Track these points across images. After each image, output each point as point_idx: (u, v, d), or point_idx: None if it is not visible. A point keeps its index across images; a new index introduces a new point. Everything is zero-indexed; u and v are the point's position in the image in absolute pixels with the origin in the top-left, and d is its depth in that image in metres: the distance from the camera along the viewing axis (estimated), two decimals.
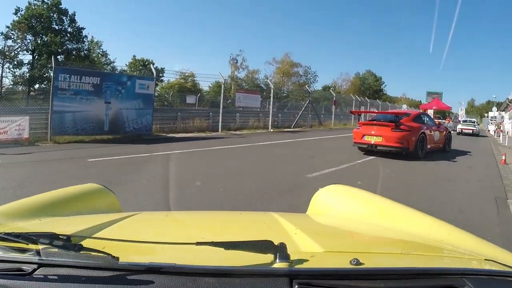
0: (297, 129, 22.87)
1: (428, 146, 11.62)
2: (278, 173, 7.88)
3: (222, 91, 18.71)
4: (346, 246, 1.34)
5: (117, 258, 0.88)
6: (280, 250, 0.93)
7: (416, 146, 10.88)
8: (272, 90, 22.38)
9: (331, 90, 35.91)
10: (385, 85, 67.44)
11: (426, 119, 12.83)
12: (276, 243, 0.94)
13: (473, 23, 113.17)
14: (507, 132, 27.03)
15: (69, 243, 0.93)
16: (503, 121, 32.46)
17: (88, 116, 12.45)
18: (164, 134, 15.31)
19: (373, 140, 10.85)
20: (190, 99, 20.35)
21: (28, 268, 0.90)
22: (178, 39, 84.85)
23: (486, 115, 60.26)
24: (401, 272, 0.94)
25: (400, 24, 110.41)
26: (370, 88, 61.46)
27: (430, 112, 41.32)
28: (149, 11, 78.71)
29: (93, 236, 1.15)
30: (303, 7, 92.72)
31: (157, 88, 31.06)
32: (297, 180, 7.06)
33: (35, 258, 0.91)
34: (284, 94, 35.88)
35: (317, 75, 53.73)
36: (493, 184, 7.75)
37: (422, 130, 11.31)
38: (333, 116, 28.77)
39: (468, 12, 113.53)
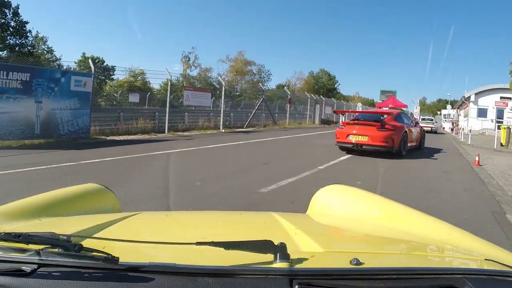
0: (250, 129, 21.87)
1: (408, 145, 11.94)
2: (223, 188, 6.21)
3: (169, 89, 17.40)
4: (346, 246, 1.36)
5: (117, 258, 0.88)
6: (280, 250, 0.93)
7: (400, 145, 11.17)
8: (223, 88, 21.05)
9: (285, 88, 35.54)
10: (339, 84, 68.72)
11: (405, 118, 13.12)
12: (276, 243, 0.94)
13: (424, 23, 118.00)
14: (463, 129, 27.51)
15: (69, 243, 0.93)
16: (459, 119, 33.54)
17: (16, 118, 10.81)
18: (103, 137, 13.60)
19: (358, 139, 10.92)
20: (133, 98, 18.60)
21: (28, 268, 0.89)
22: (130, 37, 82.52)
23: (439, 113, 61.78)
24: (401, 272, 0.94)
25: (354, 23, 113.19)
26: (324, 87, 62.14)
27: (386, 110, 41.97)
28: (102, 6, 75.82)
29: (93, 236, 1.14)
30: (257, 5, 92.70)
31: (106, 87, 29.29)
32: (248, 197, 5.70)
33: (35, 258, 0.91)
34: (237, 93, 35.11)
35: (271, 74, 53.49)
36: (481, 194, 6.86)
37: (405, 129, 11.57)
38: (287, 115, 28.24)
39: (419, 13, 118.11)
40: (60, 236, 0.96)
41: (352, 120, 12.60)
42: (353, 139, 11.03)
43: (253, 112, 23.86)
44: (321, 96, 39.18)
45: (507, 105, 33.62)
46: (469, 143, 19.08)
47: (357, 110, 38.89)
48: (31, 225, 1.35)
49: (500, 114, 33.68)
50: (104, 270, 0.89)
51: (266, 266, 0.92)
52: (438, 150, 14.13)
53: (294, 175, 7.44)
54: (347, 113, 17.44)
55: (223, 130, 19.32)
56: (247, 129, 21.34)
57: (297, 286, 0.85)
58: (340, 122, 12.93)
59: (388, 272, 0.94)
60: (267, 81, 51.10)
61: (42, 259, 0.91)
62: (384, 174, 8.54)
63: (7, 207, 1.48)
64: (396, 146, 10.95)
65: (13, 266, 0.91)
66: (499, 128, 19.33)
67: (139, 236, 1.28)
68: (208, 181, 6.77)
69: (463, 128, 27.86)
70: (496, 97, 34.06)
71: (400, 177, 8.23)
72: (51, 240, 0.94)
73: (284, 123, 27.26)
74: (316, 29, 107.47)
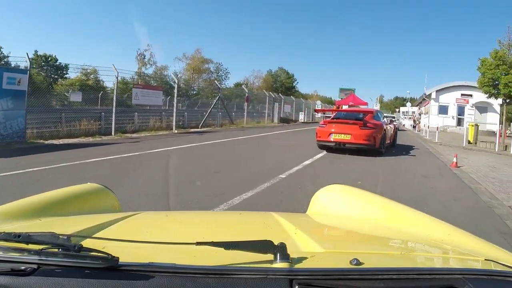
0: (205, 129, 20.79)
1: (386, 142, 12.17)
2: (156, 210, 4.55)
3: (116, 87, 16.01)
4: (346, 246, 1.37)
5: (117, 258, 0.88)
6: (280, 250, 0.93)
7: (381, 143, 11.37)
8: (176, 85, 19.53)
9: (243, 87, 34.92)
10: (297, 82, 68.65)
11: (381, 116, 13.38)
12: (276, 243, 0.95)
13: (382, 20, 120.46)
14: (428, 126, 27.13)
15: (69, 243, 0.93)
16: (421, 116, 34.12)
17: None
18: (42, 141, 12.06)
19: (341, 138, 10.99)
20: (75, 97, 17.04)
21: (28, 268, 0.90)
22: (85, 35, 79.14)
23: (397, 110, 63.51)
24: (401, 272, 0.94)
25: (311, 21, 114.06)
26: (283, 85, 62.08)
27: (346, 108, 42.13)
28: (57, 4, 72.27)
29: (93, 236, 1.14)
30: (215, 2, 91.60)
31: (57, 86, 27.65)
32: None
33: (35, 258, 0.91)
34: (194, 92, 34.21)
35: (228, 72, 53.05)
36: (476, 206, 6.06)
37: (384, 127, 11.85)
38: (245, 113, 27.50)
39: (376, 10, 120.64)
40: (60, 236, 0.95)
41: (333, 118, 12.58)
42: (335, 137, 11.06)
43: (209, 111, 23.00)
44: (280, 94, 38.74)
45: (468, 102, 33.81)
46: (436, 141, 18.82)
47: (317, 108, 38.82)
48: (31, 225, 1.35)
49: (461, 111, 33.99)
50: (104, 270, 0.89)
51: (266, 266, 0.91)
52: (408, 150, 13.76)
53: (251, 188, 6.20)
54: (321, 112, 18.93)
55: (175, 131, 17.99)
56: (202, 129, 20.24)
57: (297, 286, 0.85)
58: (322, 120, 13.25)
59: (388, 272, 0.93)
60: (225, 79, 50.91)
61: (42, 259, 0.90)
62: (361, 185, 7.32)
63: (7, 207, 1.47)
64: (377, 144, 11.14)
65: (13, 266, 0.90)
66: (464, 125, 19.73)
67: (139, 236, 1.28)
68: (147, 202, 5.24)
69: (427, 125, 27.67)
70: (457, 94, 34.24)
71: (380, 187, 6.84)
72: (51, 240, 0.94)
73: (241, 122, 26.47)
74: (275, 28, 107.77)
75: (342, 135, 10.99)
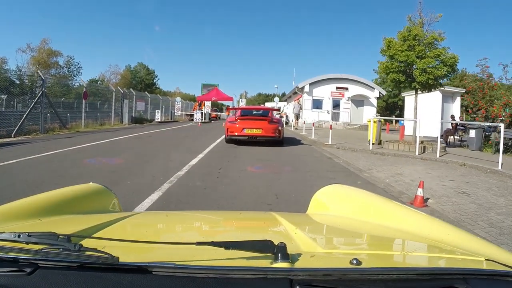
0: (21, 138, 14.31)
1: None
2: None
3: None
4: (346, 246, 1.39)
5: (117, 258, 0.88)
6: (280, 250, 0.93)
7: (282, 135, 13.38)
8: None
9: (81, 78, 28.35)
10: (158, 79, 66.88)
11: (276, 113, 15.83)
12: (276, 243, 0.94)
13: (240, 17, 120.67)
14: (304, 121, 24.79)
15: (69, 243, 0.93)
16: (300, 112, 29.37)
17: None
18: None
19: (253, 132, 12.58)
20: None
21: (28, 268, 0.90)
22: None
23: (262, 106, 62.68)
24: (401, 272, 0.94)
25: (174, 17, 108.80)
26: (143, 82, 59.75)
27: (208, 104, 38.18)
28: None
29: (93, 236, 1.14)
30: None
31: None
32: None
33: (35, 258, 0.91)
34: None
35: (81, 67, 46.29)
36: None
37: (281, 123, 13.93)
38: (83, 114, 21.32)
39: (239, 8, 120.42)
40: (60, 236, 0.95)
41: (241, 116, 13.68)
42: (248, 131, 12.62)
43: (27, 112, 16.33)
44: (131, 89, 32.99)
45: (343, 96, 32.01)
46: (330, 143, 14.22)
47: (176, 104, 36.81)
48: (31, 225, 1.34)
49: (336, 104, 32.19)
50: (104, 270, 0.89)
51: (266, 266, 0.91)
52: (304, 162, 10.09)
53: None
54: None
55: None
56: (15, 139, 14.08)
57: (297, 286, 0.85)
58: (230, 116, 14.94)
59: (388, 272, 0.93)
60: (77, 75, 44.09)
61: (42, 259, 0.90)
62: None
63: (7, 207, 1.46)
64: (281, 137, 13.31)
65: (13, 266, 0.90)
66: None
67: (139, 236, 1.31)
68: None
69: (303, 121, 25.25)
70: (332, 87, 32.04)
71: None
72: (51, 240, 0.94)
73: (79, 125, 20.50)
74: (136, 23, 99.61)
75: (254, 129, 12.57)
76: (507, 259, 1.06)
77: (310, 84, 32.23)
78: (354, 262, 0.92)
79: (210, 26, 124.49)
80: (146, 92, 36.57)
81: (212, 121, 36.23)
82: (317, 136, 17.40)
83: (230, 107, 32.67)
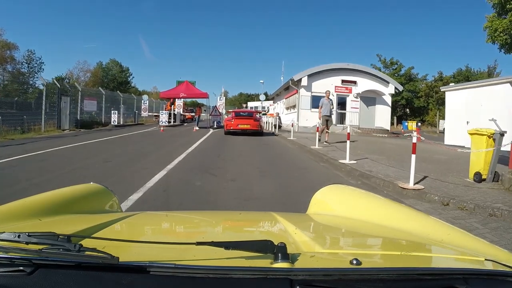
0: None
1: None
2: None
3: None
4: (346, 246, 1.37)
5: (117, 258, 0.87)
6: (280, 250, 0.92)
7: (263, 129, 20.38)
8: None
9: (41, 76, 21.96)
10: (133, 77, 62.29)
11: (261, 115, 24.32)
12: (276, 243, 0.94)
13: (222, 13, 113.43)
14: (289, 124, 20.16)
15: (69, 243, 0.92)
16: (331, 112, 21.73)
17: None
18: None
19: (244, 126, 18.52)
20: None
21: (28, 268, 0.89)
22: None
23: (244, 106, 60.93)
24: (401, 272, 0.93)
25: (148, 13, 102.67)
26: (115, 80, 55.09)
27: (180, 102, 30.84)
28: None
29: (93, 236, 1.13)
30: None
31: None
32: None
33: (35, 258, 0.90)
34: None
35: (43, 63, 41.30)
36: None
37: (262, 119, 21.74)
38: None
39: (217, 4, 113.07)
40: (60, 236, 0.94)
41: (236, 115, 19.67)
42: (241, 126, 18.47)
43: None
44: (75, 84, 26.05)
45: (350, 91, 24.55)
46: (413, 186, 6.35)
47: (142, 104, 30.95)
48: (31, 225, 1.33)
49: (341, 102, 24.67)
50: (104, 270, 0.88)
51: (266, 266, 0.91)
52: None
53: None
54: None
55: None
56: None
57: (297, 286, 0.84)
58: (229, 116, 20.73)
59: (388, 272, 0.92)
60: (39, 71, 39.50)
61: (42, 259, 0.89)
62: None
63: (7, 207, 1.44)
64: (262, 130, 19.95)
65: (13, 266, 0.89)
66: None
67: (139, 236, 1.32)
68: None
69: (294, 125, 19.69)
70: (335, 80, 24.26)
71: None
72: (51, 240, 0.93)
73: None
74: (110, 19, 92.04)
75: (245, 125, 18.58)
76: (507, 259, 1.05)
77: (309, 76, 24.28)
78: (354, 262, 0.92)
79: (188, 15, 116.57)
80: (100, 88, 29.30)
81: (186, 124, 30.80)
82: (340, 157, 9.94)
83: (208, 106, 31.30)
